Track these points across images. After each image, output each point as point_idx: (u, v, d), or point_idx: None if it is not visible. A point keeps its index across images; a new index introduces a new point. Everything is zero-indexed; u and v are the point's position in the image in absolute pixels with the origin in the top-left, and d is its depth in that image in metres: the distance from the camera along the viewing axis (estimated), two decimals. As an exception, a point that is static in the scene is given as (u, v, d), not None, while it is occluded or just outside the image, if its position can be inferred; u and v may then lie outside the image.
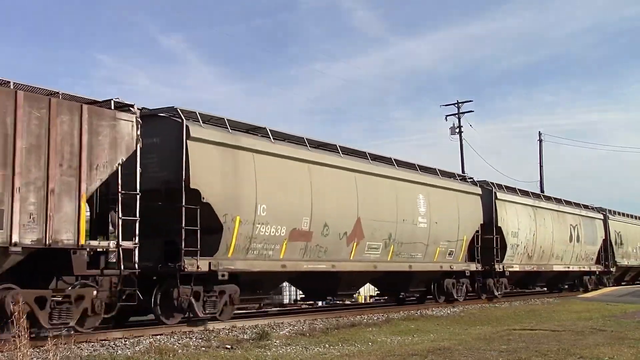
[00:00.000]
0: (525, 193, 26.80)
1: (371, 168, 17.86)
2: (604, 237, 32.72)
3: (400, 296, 21.76)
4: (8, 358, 8.02)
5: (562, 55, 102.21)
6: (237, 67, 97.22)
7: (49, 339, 8.61)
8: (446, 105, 45.46)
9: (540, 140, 47.21)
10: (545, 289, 31.81)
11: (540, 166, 47.00)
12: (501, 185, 25.15)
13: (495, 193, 23.56)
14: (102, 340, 11.15)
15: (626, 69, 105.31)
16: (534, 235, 25.86)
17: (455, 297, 21.61)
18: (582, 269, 30.88)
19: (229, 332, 13.01)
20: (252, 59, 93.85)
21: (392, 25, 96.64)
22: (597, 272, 32.52)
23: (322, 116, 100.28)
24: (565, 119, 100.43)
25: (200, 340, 11.58)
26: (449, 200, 21.02)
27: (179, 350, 10.21)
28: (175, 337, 11.87)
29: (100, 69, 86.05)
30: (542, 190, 45.49)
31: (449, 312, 19.19)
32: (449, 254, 20.86)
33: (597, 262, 32.33)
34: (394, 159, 19.14)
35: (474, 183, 23.38)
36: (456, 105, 45.09)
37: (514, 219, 24.65)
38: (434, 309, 19.79)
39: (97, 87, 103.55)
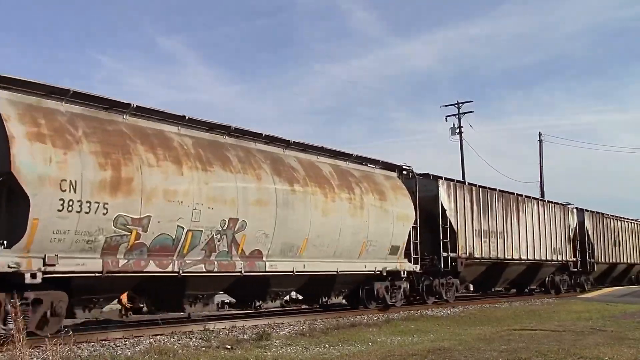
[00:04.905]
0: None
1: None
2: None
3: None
4: (8, 358, 8.01)
5: (560, 56, 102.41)
6: (236, 68, 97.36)
7: (47, 339, 8.61)
8: (446, 105, 45.61)
9: (540, 141, 47.28)
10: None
11: (541, 167, 47.05)
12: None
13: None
14: (102, 340, 11.16)
15: (624, 69, 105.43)
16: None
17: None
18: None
19: (229, 332, 13.02)
20: (251, 60, 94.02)
21: (391, 26, 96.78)
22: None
23: (322, 117, 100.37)
24: (564, 120, 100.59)
25: (200, 341, 11.59)
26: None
27: (179, 351, 10.20)
28: (175, 337, 11.89)
29: (99, 70, 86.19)
30: (542, 191, 45.59)
31: (449, 312, 19.20)
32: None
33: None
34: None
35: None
36: (456, 105, 45.18)
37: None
38: (433, 309, 19.80)
39: (97, 87, 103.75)
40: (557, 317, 17.97)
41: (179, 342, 11.37)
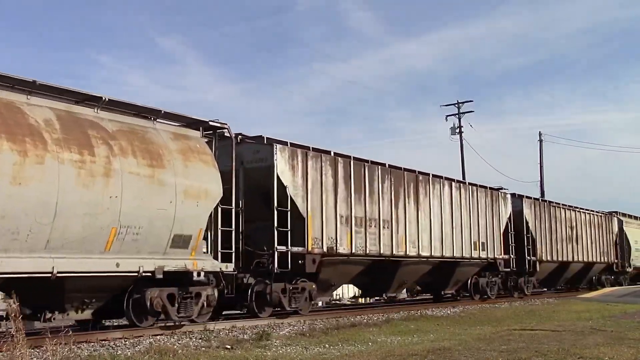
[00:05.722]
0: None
1: None
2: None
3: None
4: (8, 358, 8.01)
5: (559, 56, 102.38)
6: (235, 68, 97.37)
7: (47, 339, 8.61)
8: (446, 105, 45.53)
9: (541, 141, 47.25)
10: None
11: (541, 166, 47.00)
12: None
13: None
14: (102, 340, 11.16)
15: (623, 69, 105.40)
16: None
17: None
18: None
19: (229, 332, 13.02)
20: (251, 59, 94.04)
21: (390, 26, 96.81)
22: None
23: (322, 117, 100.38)
24: (564, 120, 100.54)
25: (200, 341, 11.59)
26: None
27: (179, 351, 10.20)
28: (175, 337, 11.89)
29: (99, 70, 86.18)
30: (542, 191, 45.58)
31: (449, 312, 19.22)
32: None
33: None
34: None
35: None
36: (456, 105, 45.13)
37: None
38: (433, 309, 19.80)
39: (97, 87, 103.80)
40: (557, 317, 17.98)
41: (179, 342, 11.37)
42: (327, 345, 11.21)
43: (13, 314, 7.70)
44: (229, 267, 13.61)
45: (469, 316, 18.18)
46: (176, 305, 12.69)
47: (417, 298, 26.97)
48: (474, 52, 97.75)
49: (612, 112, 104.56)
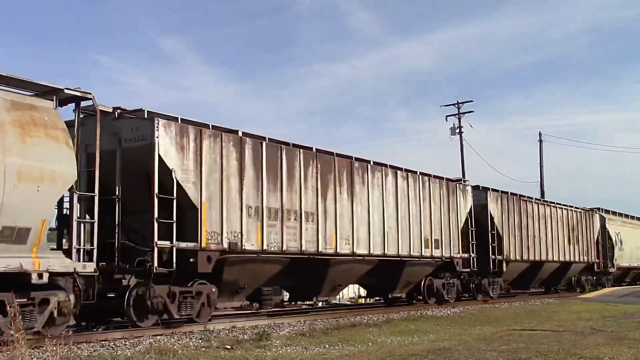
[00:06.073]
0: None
1: None
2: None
3: None
4: (8, 358, 8.02)
5: (560, 56, 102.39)
6: (236, 68, 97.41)
7: (47, 339, 8.62)
8: (446, 105, 45.50)
9: (541, 141, 47.26)
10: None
11: (541, 166, 47.01)
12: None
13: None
14: (102, 340, 11.16)
15: (623, 69, 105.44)
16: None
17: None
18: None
19: (229, 332, 13.02)
20: (251, 60, 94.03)
21: (391, 27, 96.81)
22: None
23: (322, 117, 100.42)
24: (564, 120, 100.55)
25: (200, 341, 11.60)
26: None
27: (179, 351, 10.21)
28: (175, 338, 11.89)
29: (100, 70, 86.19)
30: (542, 191, 45.58)
31: (449, 312, 19.22)
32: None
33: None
34: None
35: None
36: (456, 105, 45.12)
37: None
38: (433, 309, 19.81)
39: (97, 87, 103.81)
40: (557, 317, 17.99)
41: (179, 342, 11.37)
42: (327, 346, 11.22)
43: (13, 314, 7.71)
44: (88, 267, 11.02)
45: (469, 316, 18.20)
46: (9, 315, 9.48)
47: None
48: (474, 52, 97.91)
49: (613, 112, 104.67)
